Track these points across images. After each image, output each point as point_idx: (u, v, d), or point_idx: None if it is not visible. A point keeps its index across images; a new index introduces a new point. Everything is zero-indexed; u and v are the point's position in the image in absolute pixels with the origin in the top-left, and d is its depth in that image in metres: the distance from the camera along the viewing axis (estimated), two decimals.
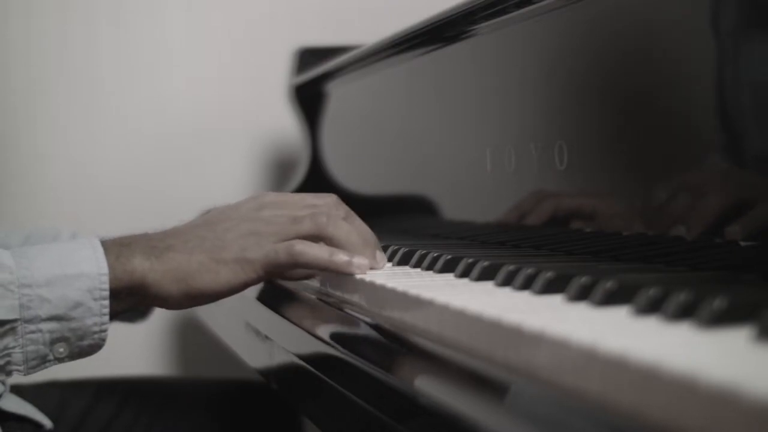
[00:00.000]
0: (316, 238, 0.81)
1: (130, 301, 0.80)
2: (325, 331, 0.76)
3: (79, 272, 0.77)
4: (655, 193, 0.74)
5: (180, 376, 1.70)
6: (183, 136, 1.79)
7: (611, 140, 0.81)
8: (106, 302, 0.78)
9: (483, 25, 1.00)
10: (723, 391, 0.35)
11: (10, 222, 1.67)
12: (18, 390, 1.04)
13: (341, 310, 0.78)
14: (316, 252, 0.80)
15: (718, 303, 0.46)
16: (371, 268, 0.82)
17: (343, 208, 0.85)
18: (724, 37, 0.67)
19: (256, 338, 0.99)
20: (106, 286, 0.77)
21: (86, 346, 0.79)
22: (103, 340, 0.79)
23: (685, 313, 0.48)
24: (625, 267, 0.73)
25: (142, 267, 0.79)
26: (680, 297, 0.48)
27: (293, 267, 0.81)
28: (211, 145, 1.80)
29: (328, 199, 0.85)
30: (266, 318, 0.95)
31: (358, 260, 0.80)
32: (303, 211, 0.83)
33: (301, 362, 0.81)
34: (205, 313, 1.37)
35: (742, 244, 0.64)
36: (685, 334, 0.45)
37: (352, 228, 0.82)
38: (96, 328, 0.78)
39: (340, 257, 0.80)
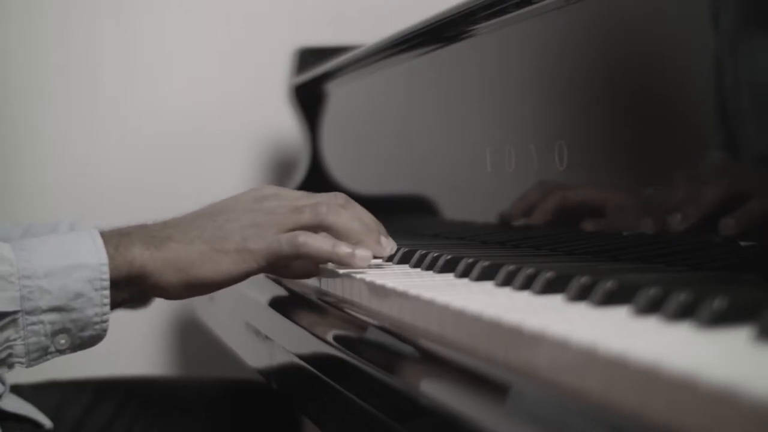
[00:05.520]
0: (316, 228, 0.81)
1: (129, 290, 0.80)
2: (325, 330, 0.76)
3: (80, 263, 0.77)
4: (655, 192, 0.74)
5: (180, 376, 1.70)
6: (183, 136, 1.79)
7: (611, 140, 0.81)
8: (107, 292, 0.77)
9: (483, 25, 1.00)
10: (723, 391, 0.35)
11: (10, 222, 1.67)
12: (18, 390, 1.04)
13: (341, 310, 0.78)
14: (319, 243, 0.80)
15: (718, 303, 0.46)
16: (379, 256, 0.81)
17: (342, 197, 0.84)
18: (724, 36, 0.67)
19: (256, 338, 0.99)
20: (107, 276, 0.77)
21: (87, 336, 0.79)
22: (105, 330, 0.79)
23: (685, 313, 0.47)
24: (625, 267, 0.73)
25: (142, 256, 0.79)
26: (680, 297, 0.48)
27: (295, 258, 0.81)
28: (211, 145, 1.80)
29: (327, 194, 0.85)
30: (266, 318, 0.95)
31: (361, 252, 0.80)
32: (303, 201, 0.83)
33: (302, 362, 0.81)
34: (206, 313, 1.37)
35: (742, 244, 0.64)
36: (685, 334, 0.45)
37: (352, 215, 0.82)
38: (97, 319, 0.78)
39: (343, 249, 0.79)
